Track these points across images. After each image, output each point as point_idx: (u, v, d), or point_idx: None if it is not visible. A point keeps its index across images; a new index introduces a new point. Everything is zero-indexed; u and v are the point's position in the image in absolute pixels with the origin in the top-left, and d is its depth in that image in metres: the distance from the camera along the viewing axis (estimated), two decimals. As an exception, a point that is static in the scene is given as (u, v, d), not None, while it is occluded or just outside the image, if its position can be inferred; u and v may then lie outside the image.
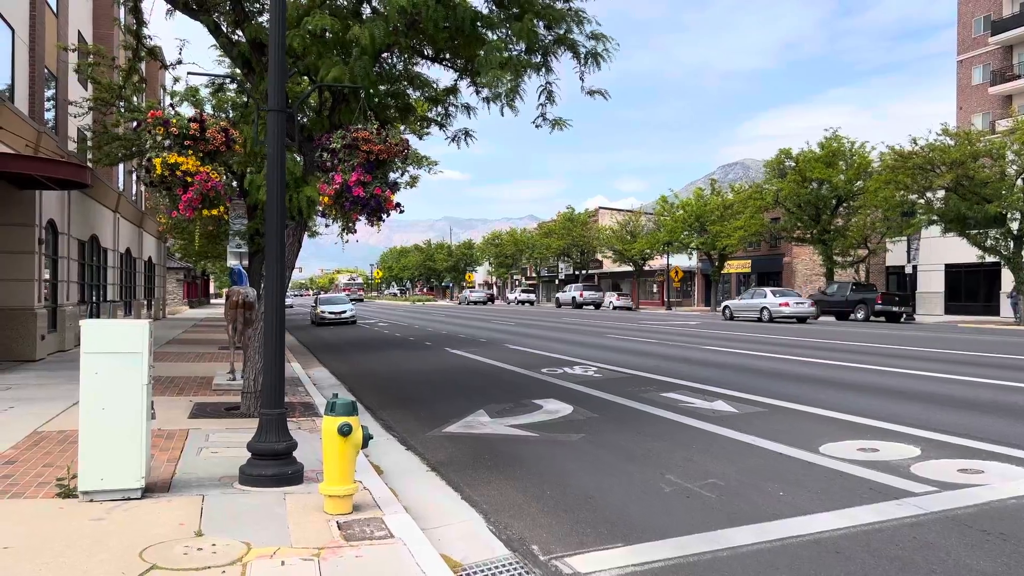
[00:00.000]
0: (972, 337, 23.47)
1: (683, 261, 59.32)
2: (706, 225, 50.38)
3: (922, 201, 34.83)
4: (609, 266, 73.10)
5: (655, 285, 67.13)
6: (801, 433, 7.77)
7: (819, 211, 42.67)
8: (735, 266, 56.53)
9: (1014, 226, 33.10)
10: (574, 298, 59.73)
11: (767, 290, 35.68)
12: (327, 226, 7.16)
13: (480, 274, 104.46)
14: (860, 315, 35.26)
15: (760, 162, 50.92)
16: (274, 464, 5.66)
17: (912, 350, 17.95)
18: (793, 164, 43.22)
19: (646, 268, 62.70)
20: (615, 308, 57.31)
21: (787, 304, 33.69)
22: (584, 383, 11.96)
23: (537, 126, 9.24)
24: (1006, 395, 10.30)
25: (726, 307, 37.23)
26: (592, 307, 59.60)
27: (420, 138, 15.45)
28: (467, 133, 10.83)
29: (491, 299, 79.83)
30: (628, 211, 73.32)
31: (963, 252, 37.61)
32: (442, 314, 47.53)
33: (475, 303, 74.99)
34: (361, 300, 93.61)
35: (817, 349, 18.09)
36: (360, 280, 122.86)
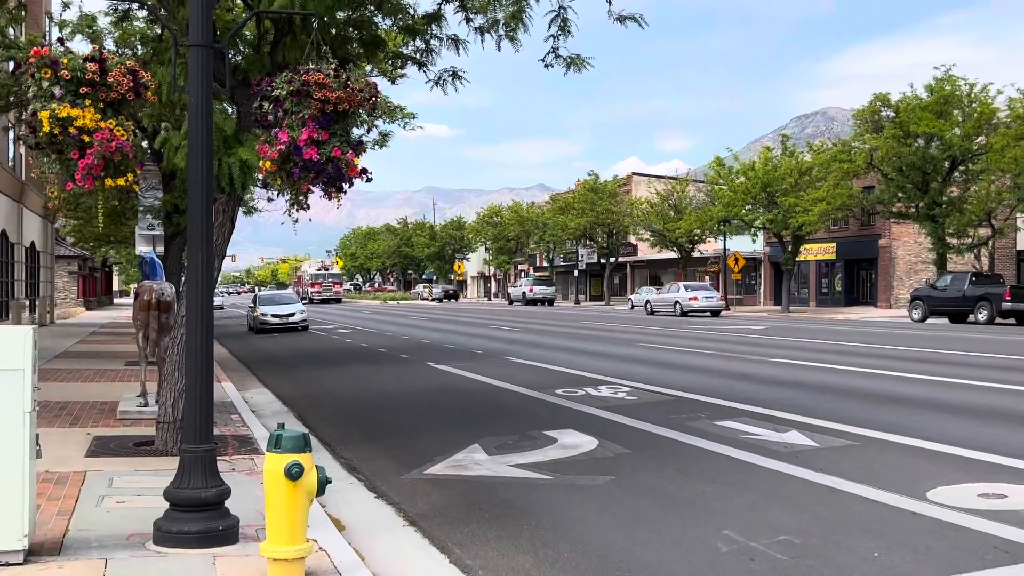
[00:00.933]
0: None
1: (745, 245, 59.33)
2: (776, 196, 50.31)
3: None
4: (646, 252, 73.25)
5: (707, 277, 67.17)
6: (903, 473, 7.78)
7: (927, 177, 42.61)
8: (814, 251, 56.53)
9: None
10: (524, 294, 69.99)
11: (680, 284, 49.29)
12: (269, 200, 7.17)
13: (474, 263, 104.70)
14: (982, 316, 35.27)
15: (848, 112, 50.90)
16: (200, 517, 5.69)
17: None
18: (892, 114, 43.13)
19: (695, 254, 62.74)
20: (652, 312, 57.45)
21: (696, 298, 45.81)
22: (613, 408, 11.98)
23: (547, 65, 9.28)
24: None
25: (647, 302, 50.24)
26: (545, 304, 68.37)
27: (393, 82, 15.53)
28: (455, 75, 10.86)
29: (452, 296, 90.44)
30: (671, 178, 73.44)
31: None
32: (421, 316, 47.65)
33: (433, 299, 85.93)
34: (339, 301, 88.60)
35: (921, 362, 18.10)
36: (338, 270, 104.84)
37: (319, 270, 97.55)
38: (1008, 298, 34.53)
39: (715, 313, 45.78)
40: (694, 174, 71.23)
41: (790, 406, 11.79)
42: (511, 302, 72.20)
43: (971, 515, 6.36)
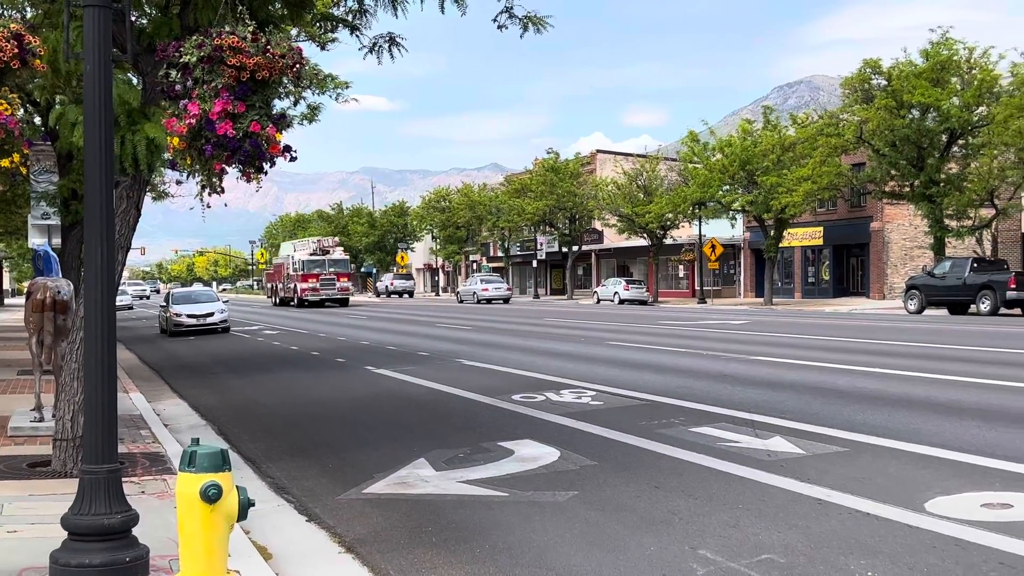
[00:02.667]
0: None
1: (723, 230, 59.85)
2: (756, 176, 50.79)
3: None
4: (613, 239, 73.60)
5: (681, 266, 67.66)
6: (898, 482, 7.88)
7: (923, 152, 43.24)
8: (800, 236, 57.20)
9: None
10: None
11: (478, 277, 71.24)
12: (179, 182, 7.08)
13: (419, 253, 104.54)
14: (985, 306, 35.90)
15: (835, 80, 51.52)
16: (104, 547, 5.59)
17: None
18: (884, 83, 43.70)
19: (667, 241, 63.18)
20: (622, 302, 57.85)
21: (487, 289, 64.79)
22: (577, 415, 12.01)
23: (501, 27, 9.25)
24: None
25: (458, 291, 69.33)
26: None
27: (323, 48, 15.38)
28: (393, 41, 10.81)
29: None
30: (640, 156, 73.91)
31: None
32: (360, 316, 47.45)
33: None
34: (346, 303, 62.36)
35: (917, 358, 18.38)
36: (342, 253, 65.73)
37: (314, 254, 61.84)
38: (1013, 286, 35.13)
39: (506, 300, 64.28)
40: (665, 151, 71.82)
41: (773, 409, 11.90)
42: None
43: (974, 528, 6.45)
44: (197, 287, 59.22)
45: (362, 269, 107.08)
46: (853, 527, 6.64)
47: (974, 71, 42.29)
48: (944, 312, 37.98)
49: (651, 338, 25.76)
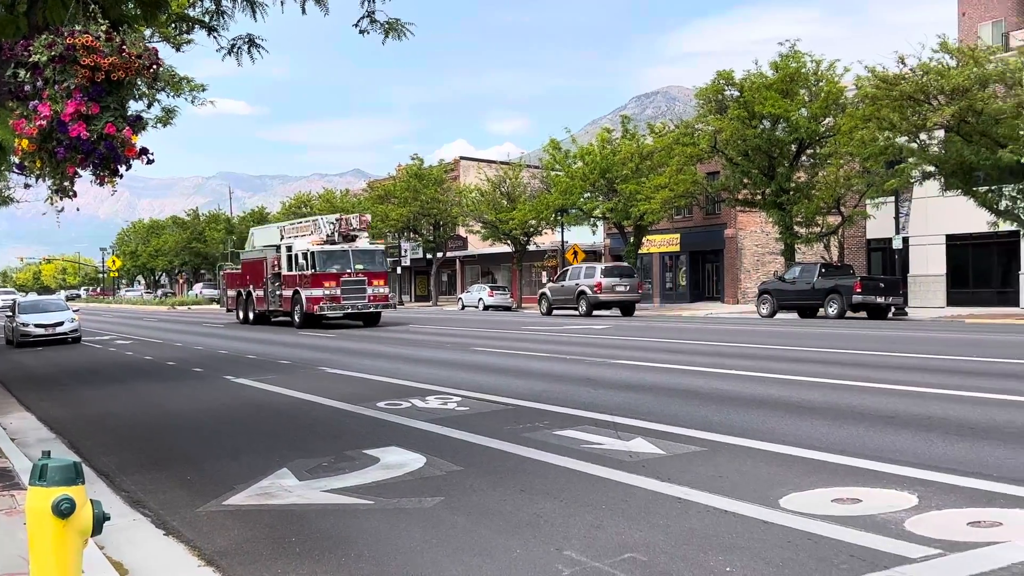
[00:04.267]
0: (983, 336, 25.32)
1: (585, 237, 60.76)
2: (616, 183, 51.68)
3: (914, 145, 37.14)
4: (478, 245, 73.90)
5: (544, 273, 68.33)
6: (754, 480, 8.11)
7: (773, 161, 44.67)
8: (658, 243, 58.44)
9: (1039, 180, 35.70)
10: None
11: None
12: (27, 186, 6.79)
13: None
14: (832, 310, 37.30)
15: (690, 91, 52.78)
16: (-53, 568, 5.13)
17: (902, 358, 19.15)
18: (737, 94, 44.96)
19: (531, 247, 63.73)
20: (487, 308, 58.11)
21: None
22: (443, 421, 11.99)
23: (363, 32, 9.18)
24: (998, 413, 11.16)
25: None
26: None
27: (178, 49, 15.07)
28: (253, 42, 10.62)
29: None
30: (503, 163, 74.32)
31: (970, 218, 40.44)
32: (218, 324, 46.41)
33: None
34: (376, 317, 40.04)
35: (771, 360, 18.97)
36: (367, 240, 41.34)
37: (331, 241, 38.94)
38: (859, 290, 36.65)
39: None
40: (528, 158, 72.39)
41: (635, 411, 12.11)
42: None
43: (825, 522, 6.68)
44: (49, 297, 50.86)
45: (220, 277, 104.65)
46: (712, 524, 6.80)
47: (821, 83, 43.93)
48: (794, 316, 39.30)
49: (516, 343, 25.93)
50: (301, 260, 38.46)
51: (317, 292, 37.52)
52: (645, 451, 9.51)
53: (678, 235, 58.42)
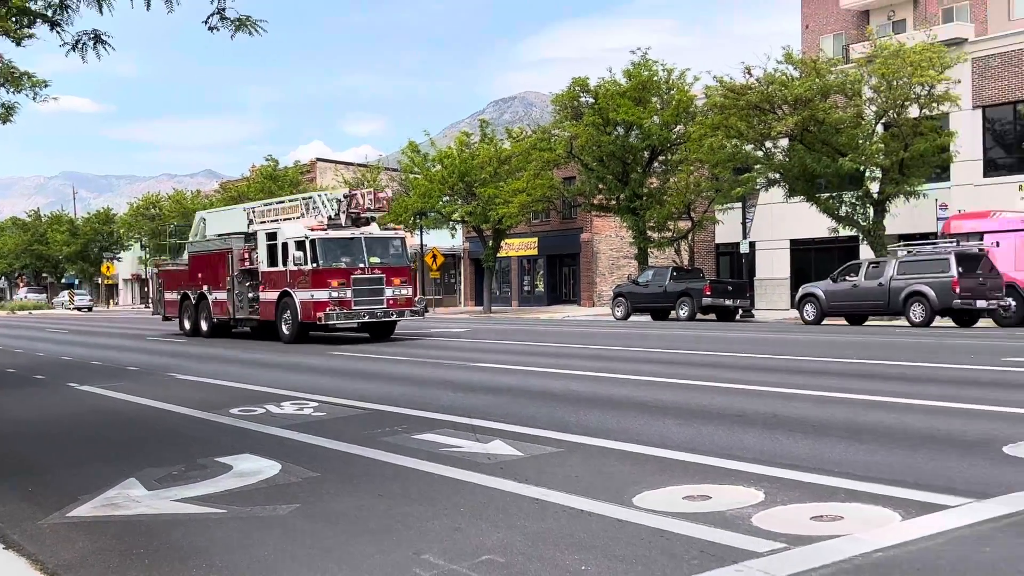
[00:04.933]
0: (823, 337, 26.34)
1: (444, 240, 60.73)
2: (475, 187, 51.82)
3: (760, 153, 38.41)
4: (333, 248, 72.86)
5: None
6: (609, 479, 8.23)
7: (627, 167, 45.55)
8: (516, 247, 58.94)
9: (873, 187, 37.52)
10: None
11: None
12: None
13: (127, 263, 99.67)
14: (683, 312, 38.28)
15: (547, 96, 53.34)
16: None
17: (749, 358, 19.76)
18: (592, 100, 45.69)
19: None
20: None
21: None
22: (299, 427, 11.80)
23: (212, 28, 8.97)
24: (865, 413, 11.65)
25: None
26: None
27: (19, 44, 14.44)
28: (98, 38, 10.27)
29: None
30: (360, 165, 73.74)
31: (813, 223, 42.06)
32: (61, 329, 44.70)
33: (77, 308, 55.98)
34: (390, 329, 30.27)
35: (625, 361, 19.33)
36: (381, 228, 31.11)
37: (336, 224, 29.14)
38: (708, 293, 37.80)
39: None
40: (386, 161, 72.08)
41: (493, 414, 12.15)
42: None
43: (677, 519, 6.83)
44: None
45: (62, 280, 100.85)
46: (568, 524, 6.87)
47: (672, 92, 45.03)
48: (648, 318, 40.14)
49: (374, 347, 25.73)
50: (294, 251, 28.13)
51: (320, 295, 27.34)
52: (503, 453, 9.55)
53: (536, 239, 59.02)
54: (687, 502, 7.31)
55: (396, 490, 8.17)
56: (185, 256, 37.49)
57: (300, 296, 27.98)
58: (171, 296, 36.81)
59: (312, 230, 27.90)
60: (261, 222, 31.57)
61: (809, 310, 34.56)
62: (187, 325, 34.82)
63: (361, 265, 27.84)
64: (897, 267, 31.75)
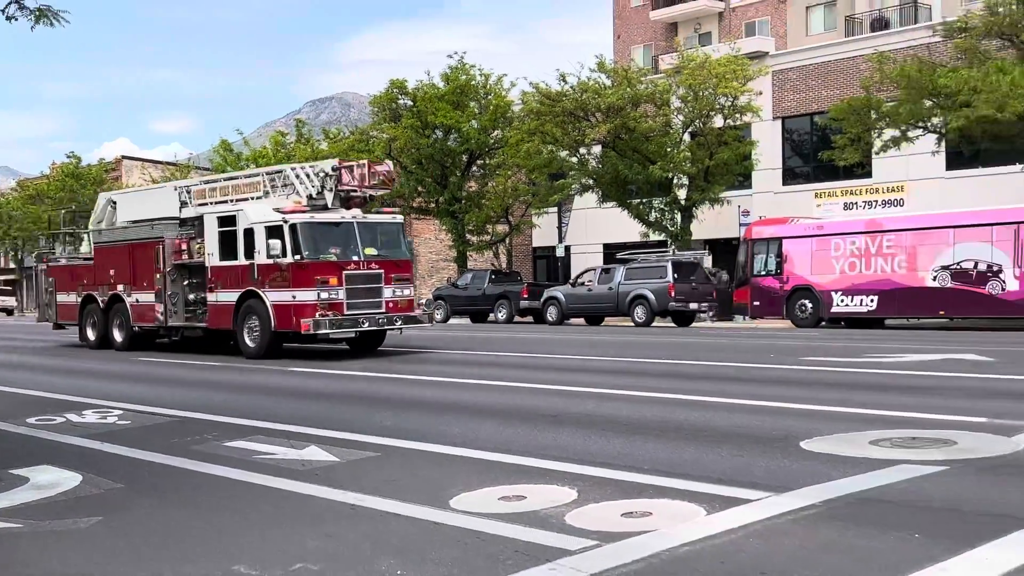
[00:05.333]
0: (633, 339, 27.11)
1: (258, 241, 59.37)
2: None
3: (574, 159, 39.28)
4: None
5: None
6: (425, 483, 8.22)
7: (446, 171, 45.76)
8: (334, 249, 58.21)
9: (681, 194, 38.95)
10: None
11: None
12: None
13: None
14: (502, 314, 38.76)
15: (365, 98, 53.03)
16: None
17: (564, 359, 20.14)
18: (410, 103, 45.69)
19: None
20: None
21: None
22: (102, 436, 11.32)
23: (10, 18, 8.53)
24: (673, 411, 12.04)
25: None
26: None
27: None
28: None
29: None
30: (170, 164, 71.40)
31: (625, 228, 43.24)
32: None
33: None
34: (380, 339, 24.14)
35: (445, 364, 19.40)
36: (379, 213, 24.90)
37: (315, 202, 22.62)
38: (526, 295, 38.45)
39: None
40: (197, 160, 69.98)
41: (309, 419, 11.96)
42: None
43: (493, 520, 6.88)
44: None
45: None
46: (384, 528, 6.83)
47: (490, 96, 45.50)
48: (467, 320, 40.39)
49: (185, 353, 24.95)
50: (266, 240, 21.53)
51: (305, 295, 21.03)
52: (319, 459, 9.42)
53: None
54: (503, 503, 7.37)
55: (206, 500, 7.94)
56: (86, 248, 30.16)
57: (274, 298, 21.47)
58: (67, 299, 28.77)
59: (289, 213, 21.52)
60: (202, 203, 24.89)
61: (552, 312, 36.95)
62: (91, 335, 27.59)
63: (355, 258, 21.79)
64: (624, 273, 35.12)
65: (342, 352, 23.20)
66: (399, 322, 22.35)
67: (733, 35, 51.77)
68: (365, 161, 23.97)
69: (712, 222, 39.89)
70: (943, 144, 33.42)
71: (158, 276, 24.90)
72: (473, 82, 45.22)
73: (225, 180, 25.82)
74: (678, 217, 38.89)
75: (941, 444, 9.03)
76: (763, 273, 33.23)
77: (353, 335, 22.67)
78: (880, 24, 47.55)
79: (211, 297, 23.39)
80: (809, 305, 31.82)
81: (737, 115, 37.48)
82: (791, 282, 32.34)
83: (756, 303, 33.64)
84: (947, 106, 30.10)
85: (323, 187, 22.31)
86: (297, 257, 21.00)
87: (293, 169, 23.35)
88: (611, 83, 38.25)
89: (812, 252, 32.29)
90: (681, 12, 58.01)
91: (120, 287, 26.34)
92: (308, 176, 22.63)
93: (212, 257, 23.21)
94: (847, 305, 31.14)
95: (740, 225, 38.59)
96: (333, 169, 22.45)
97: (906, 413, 11.21)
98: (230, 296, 22.66)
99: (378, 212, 24.06)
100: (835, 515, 6.79)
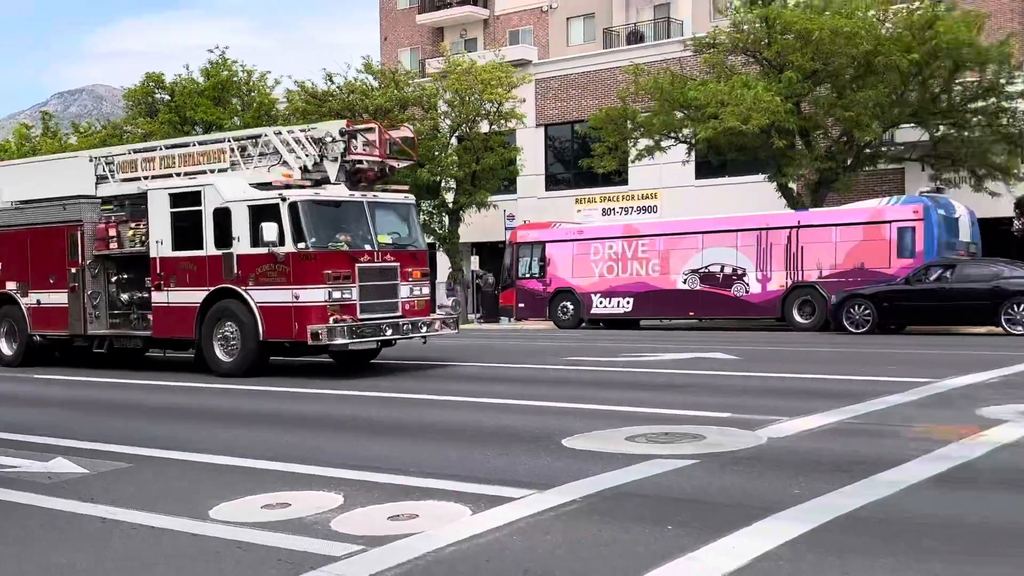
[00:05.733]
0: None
1: None
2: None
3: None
4: None
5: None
6: (183, 493, 7.91)
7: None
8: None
9: (449, 197, 39.29)
10: None
11: None
12: None
13: None
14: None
15: (119, 91, 50.75)
16: None
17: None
18: (168, 97, 44.05)
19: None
20: None
21: None
22: None
23: None
24: (437, 412, 12.12)
25: None
26: None
27: None
28: None
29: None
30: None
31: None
32: None
33: None
34: (389, 344, 18.22)
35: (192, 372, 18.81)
36: (391, 193, 18.55)
37: (312, 175, 17.65)
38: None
39: None
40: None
41: (57, 429, 11.30)
42: None
43: (256, 529, 6.69)
44: None
45: None
46: (138, 543, 6.52)
47: (253, 93, 44.46)
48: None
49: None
50: (244, 224, 16.83)
51: (312, 294, 16.24)
52: (66, 471, 8.90)
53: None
54: (266, 511, 7.19)
55: (-63, 518, 7.35)
56: None
57: (262, 298, 16.57)
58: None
59: (285, 188, 16.80)
60: (130, 178, 19.49)
61: None
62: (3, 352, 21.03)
63: (368, 248, 17.14)
64: None
65: (327, 367, 18.80)
66: (424, 328, 17.86)
67: (498, 42, 52.55)
68: (375, 124, 19.18)
69: (479, 226, 40.42)
70: (693, 154, 35.09)
71: (73, 271, 19.36)
72: (235, 78, 44.08)
73: (168, 148, 19.84)
74: (446, 220, 39.25)
75: (692, 439, 9.48)
76: (527, 276, 33.95)
77: (375, 346, 17.53)
78: (635, 37, 49.32)
79: (158, 297, 18.04)
80: (570, 307, 32.76)
81: (502, 121, 38.16)
82: (553, 284, 33.21)
83: (521, 305, 34.29)
84: (697, 118, 31.66)
85: (322, 156, 17.62)
86: (301, 246, 16.24)
87: (279, 134, 18.13)
88: (378, 85, 38.17)
89: (573, 256, 33.24)
90: (447, 17, 58.46)
91: (11, 286, 20.49)
92: (300, 143, 17.70)
93: (161, 246, 17.88)
94: (605, 307, 32.23)
95: (506, 229, 39.25)
96: (341, 133, 17.59)
97: (660, 410, 11.72)
98: (190, 296, 17.51)
99: (384, 190, 18.36)
100: (595, 509, 7.00)
